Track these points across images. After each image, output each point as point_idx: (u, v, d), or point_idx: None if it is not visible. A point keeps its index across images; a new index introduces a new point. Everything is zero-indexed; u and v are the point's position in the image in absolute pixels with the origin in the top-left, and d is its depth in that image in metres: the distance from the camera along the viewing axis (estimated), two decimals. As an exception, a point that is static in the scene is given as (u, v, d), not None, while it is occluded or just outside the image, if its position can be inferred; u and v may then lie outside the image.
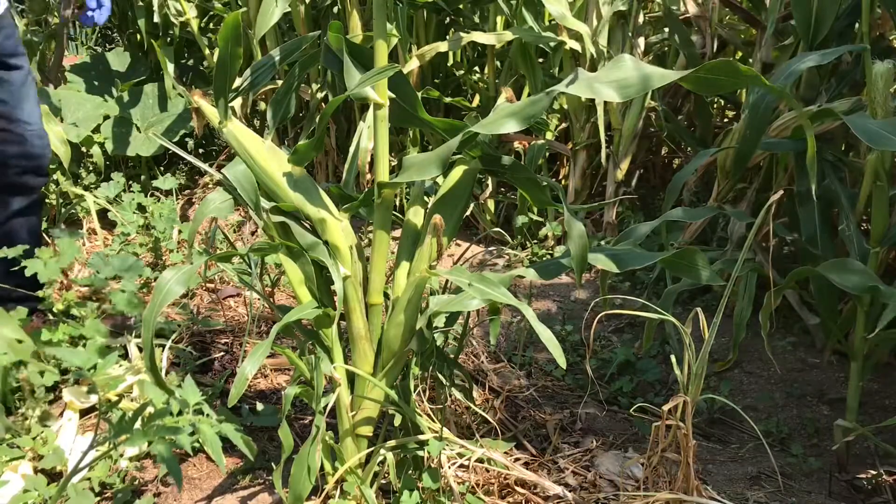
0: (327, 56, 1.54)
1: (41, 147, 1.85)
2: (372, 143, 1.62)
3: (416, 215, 1.53)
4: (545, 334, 1.24)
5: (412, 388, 1.57)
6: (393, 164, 2.82)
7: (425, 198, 1.58)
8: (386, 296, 1.55)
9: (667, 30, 2.92)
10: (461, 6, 3.11)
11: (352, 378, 1.54)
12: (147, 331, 1.31)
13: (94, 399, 1.71)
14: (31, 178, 1.85)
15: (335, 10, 3.25)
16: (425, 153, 1.41)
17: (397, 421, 1.59)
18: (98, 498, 1.56)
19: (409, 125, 1.52)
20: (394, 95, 1.45)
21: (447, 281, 1.72)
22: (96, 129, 3.19)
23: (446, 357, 1.68)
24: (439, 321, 1.70)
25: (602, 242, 2.87)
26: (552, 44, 2.87)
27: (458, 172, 1.49)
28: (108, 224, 3.03)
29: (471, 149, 1.46)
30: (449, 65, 3.43)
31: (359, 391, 1.53)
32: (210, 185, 3.52)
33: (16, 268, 1.87)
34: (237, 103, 3.21)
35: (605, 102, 2.78)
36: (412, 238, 1.51)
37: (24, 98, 1.83)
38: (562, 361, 1.23)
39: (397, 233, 1.61)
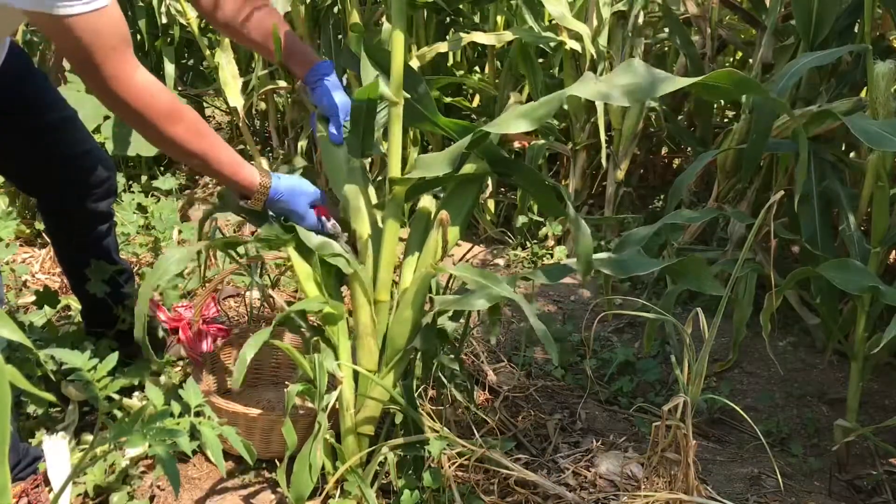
0: (346, 55, 1.62)
1: (109, 168, 1.86)
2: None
3: (424, 213, 1.56)
4: (540, 328, 1.26)
5: (414, 388, 1.57)
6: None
7: (435, 196, 1.62)
8: (392, 295, 1.57)
9: (667, 30, 2.92)
10: (461, 6, 3.11)
11: (355, 376, 1.55)
12: (142, 301, 1.39)
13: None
14: (106, 203, 1.86)
15: (335, 10, 3.25)
16: (436, 153, 1.44)
17: (398, 419, 1.60)
18: (96, 499, 1.56)
19: (422, 125, 1.55)
20: (409, 95, 1.48)
21: (448, 282, 1.73)
22: (97, 129, 3.19)
23: (447, 356, 1.69)
24: (442, 322, 1.71)
25: (602, 243, 2.87)
26: (552, 44, 2.88)
27: (467, 173, 1.51)
28: (108, 224, 3.03)
29: (479, 151, 1.48)
30: (449, 65, 3.43)
31: (362, 389, 1.53)
32: (210, 186, 3.52)
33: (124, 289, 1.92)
34: (238, 103, 3.21)
35: (605, 103, 2.78)
36: (420, 235, 1.53)
37: (83, 129, 1.84)
38: (555, 357, 1.27)
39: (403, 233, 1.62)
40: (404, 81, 1.43)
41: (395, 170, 1.47)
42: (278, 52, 1.62)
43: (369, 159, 2.67)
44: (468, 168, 1.50)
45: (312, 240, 1.54)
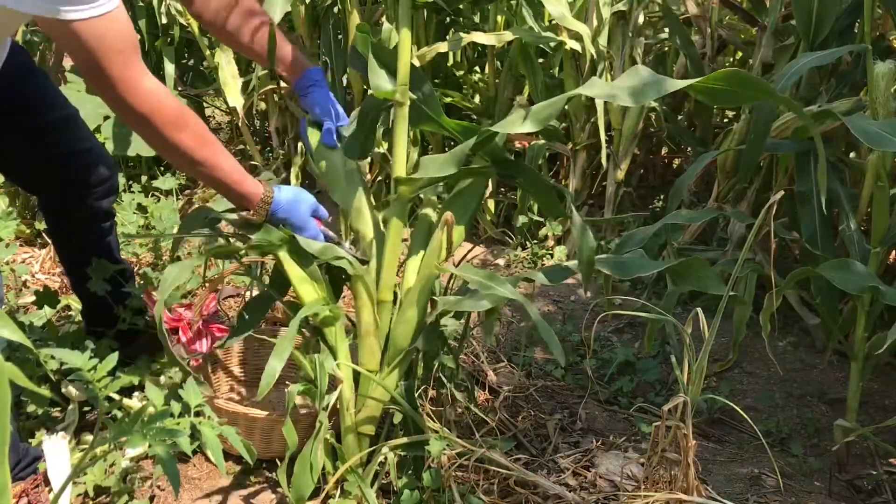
0: (352, 55, 1.62)
1: (110, 166, 1.86)
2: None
3: (428, 213, 1.57)
4: (545, 327, 1.26)
5: (415, 388, 1.58)
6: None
7: (438, 198, 1.62)
8: (395, 295, 1.57)
9: (667, 30, 2.92)
10: (461, 6, 3.11)
11: (356, 376, 1.55)
12: (159, 325, 1.43)
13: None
14: (107, 201, 1.87)
15: (335, 10, 3.25)
16: (441, 154, 1.45)
17: (397, 419, 1.60)
18: (96, 499, 1.56)
19: (427, 126, 1.56)
20: (414, 96, 1.48)
21: (449, 282, 1.73)
22: (97, 129, 3.18)
23: (448, 357, 1.69)
24: (444, 322, 1.71)
25: (602, 243, 2.87)
26: (552, 44, 2.87)
27: (472, 173, 1.52)
28: (108, 224, 3.02)
29: (483, 153, 1.49)
30: (449, 65, 3.43)
31: (363, 389, 1.54)
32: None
33: (126, 289, 1.93)
34: (238, 103, 3.21)
35: (605, 102, 2.78)
36: (424, 235, 1.54)
37: (84, 127, 1.84)
38: (561, 358, 1.27)
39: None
40: (410, 82, 1.44)
41: (400, 170, 1.48)
42: (271, 57, 1.61)
43: (368, 160, 2.67)
44: (473, 168, 1.51)
45: (313, 245, 1.53)
